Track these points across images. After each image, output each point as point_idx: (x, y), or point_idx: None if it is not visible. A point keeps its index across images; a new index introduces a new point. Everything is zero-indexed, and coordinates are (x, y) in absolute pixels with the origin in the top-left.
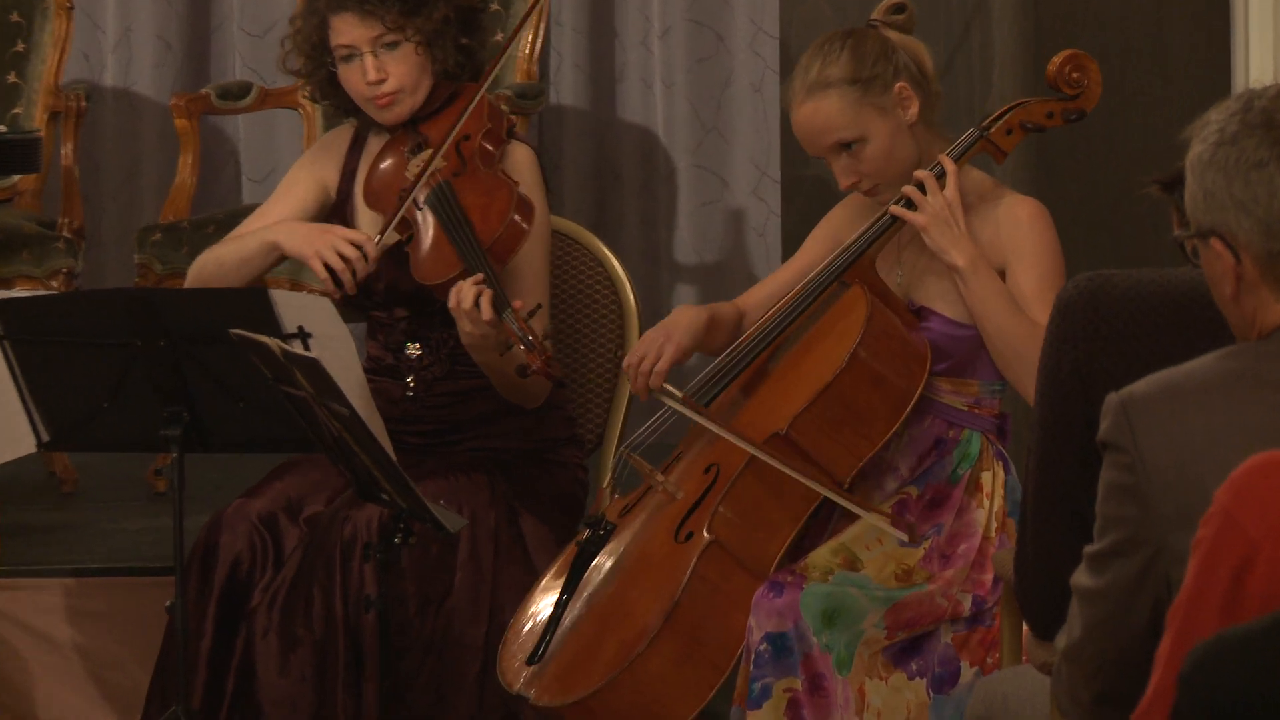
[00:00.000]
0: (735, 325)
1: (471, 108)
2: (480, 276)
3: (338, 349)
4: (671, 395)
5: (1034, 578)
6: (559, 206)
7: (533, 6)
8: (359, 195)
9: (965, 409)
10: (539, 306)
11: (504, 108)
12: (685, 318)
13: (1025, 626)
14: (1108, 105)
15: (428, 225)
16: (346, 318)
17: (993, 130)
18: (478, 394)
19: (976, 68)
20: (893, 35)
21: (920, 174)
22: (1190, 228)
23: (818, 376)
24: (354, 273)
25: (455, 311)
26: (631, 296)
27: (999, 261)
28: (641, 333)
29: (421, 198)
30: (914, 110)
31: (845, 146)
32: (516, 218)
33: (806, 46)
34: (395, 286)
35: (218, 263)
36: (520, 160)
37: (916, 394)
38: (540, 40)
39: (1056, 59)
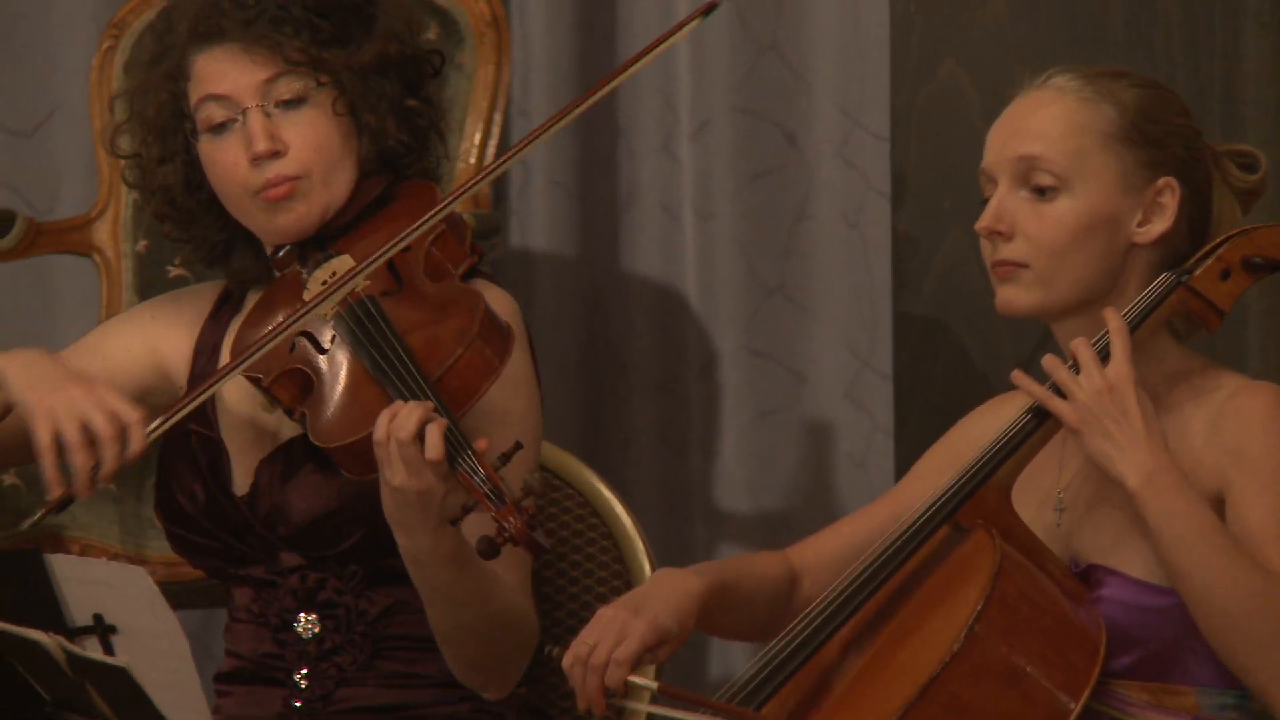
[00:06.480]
0: (774, 594)
1: (434, 217)
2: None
3: (161, 651)
4: (651, 696)
5: None
6: None
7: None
8: (229, 381)
9: None
10: (518, 446)
11: (465, 216)
12: (667, 586)
13: None
14: None
15: (336, 372)
16: (179, 599)
17: (1197, 274)
18: (418, 711)
19: None
20: (1221, 170)
21: (1077, 343)
22: None
23: (916, 669)
24: (96, 466)
25: (383, 450)
26: (646, 562)
27: (1213, 484)
28: None
29: (327, 333)
30: (1155, 229)
31: (1035, 185)
32: (479, 341)
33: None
34: (282, 511)
35: None
36: (498, 308)
37: (1081, 701)
38: (494, 141)
39: None
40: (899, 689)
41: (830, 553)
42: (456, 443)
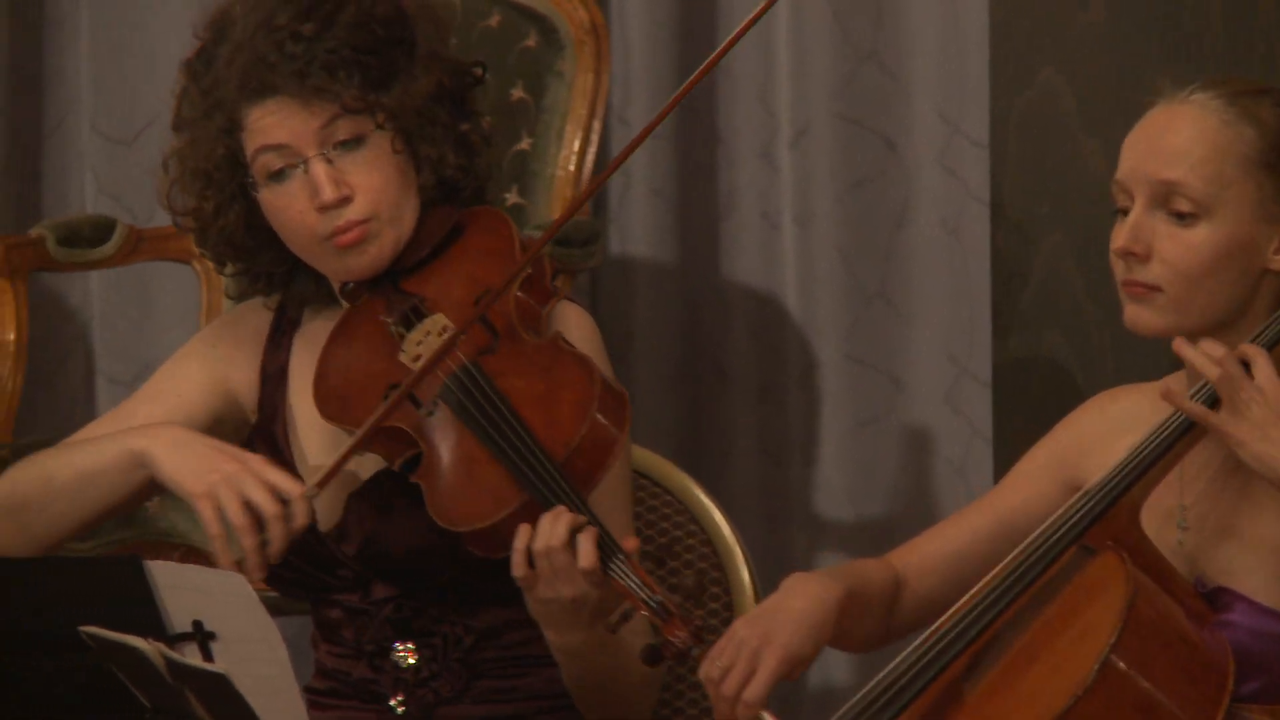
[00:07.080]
0: (883, 603)
1: (533, 256)
2: (564, 511)
3: (260, 658)
4: None
5: None
6: None
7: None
8: (301, 407)
9: None
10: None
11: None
12: (801, 600)
13: None
14: None
15: (446, 436)
16: (277, 607)
17: None
18: None
19: None
20: None
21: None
22: None
23: (1048, 696)
24: (265, 543)
25: (524, 565)
26: (745, 570)
27: None
28: None
29: (430, 395)
30: None
31: (1173, 210)
32: (600, 416)
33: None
34: (376, 547)
35: (44, 479)
36: (575, 329)
37: None
38: (593, 149)
39: None
40: (1028, 715)
41: (934, 557)
42: (608, 547)
